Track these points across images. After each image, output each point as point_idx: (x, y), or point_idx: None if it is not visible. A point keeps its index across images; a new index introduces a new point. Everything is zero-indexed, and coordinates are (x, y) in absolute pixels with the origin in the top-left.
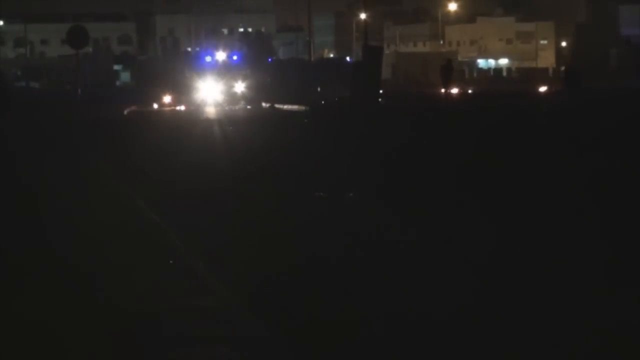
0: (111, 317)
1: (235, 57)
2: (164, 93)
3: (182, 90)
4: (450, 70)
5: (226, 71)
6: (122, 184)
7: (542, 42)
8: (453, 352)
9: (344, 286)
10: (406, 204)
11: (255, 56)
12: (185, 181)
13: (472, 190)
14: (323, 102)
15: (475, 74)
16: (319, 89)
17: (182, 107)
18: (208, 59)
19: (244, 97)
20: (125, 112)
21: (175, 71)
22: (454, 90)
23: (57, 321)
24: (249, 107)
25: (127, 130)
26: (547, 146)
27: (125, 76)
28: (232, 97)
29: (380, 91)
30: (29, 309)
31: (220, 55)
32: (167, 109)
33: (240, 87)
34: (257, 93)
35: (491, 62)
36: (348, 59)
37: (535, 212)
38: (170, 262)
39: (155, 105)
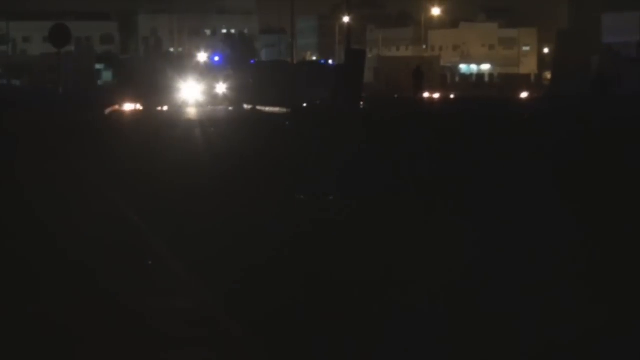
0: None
1: (217, 58)
2: (146, 93)
3: (164, 91)
4: (420, 76)
5: (208, 72)
6: (100, 184)
7: (524, 48)
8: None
9: (319, 284)
10: (384, 206)
11: (238, 57)
12: (165, 182)
13: (450, 192)
14: (305, 104)
15: (457, 79)
16: (301, 92)
17: (165, 108)
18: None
19: (225, 98)
20: (107, 111)
21: (157, 71)
22: (426, 95)
23: (39, 317)
24: (230, 108)
25: (108, 130)
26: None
27: (107, 75)
28: (213, 98)
29: (362, 95)
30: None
31: (202, 57)
32: (149, 109)
33: (221, 88)
34: (239, 94)
35: (473, 68)
36: (331, 61)
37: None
38: (149, 262)
39: (137, 105)
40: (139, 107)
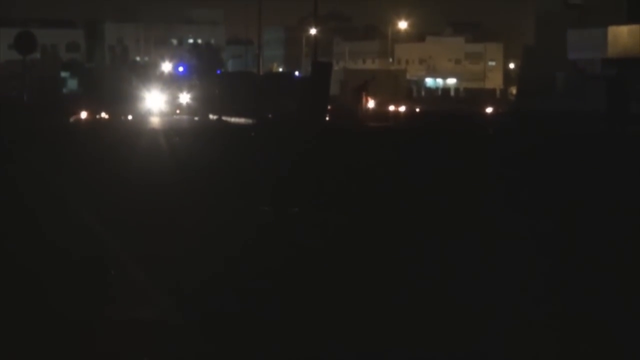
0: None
1: (180, 69)
2: (111, 102)
3: (129, 100)
4: (362, 89)
5: (172, 82)
6: (60, 192)
7: (490, 63)
8: None
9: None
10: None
11: (204, 68)
12: (127, 191)
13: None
14: (270, 115)
15: (423, 93)
16: (267, 103)
17: (130, 117)
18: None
19: (189, 108)
20: (71, 119)
21: (122, 80)
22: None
23: None
24: (196, 118)
25: (71, 138)
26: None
27: (73, 83)
28: (177, 108)
29: (328, 107)
30: None
31: (166, 66)
32: (113, 117)
33: (185, 98)
34: (204, 105)
35: (439, 82)
36: (297, 73)
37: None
38: (112, 272)
39: (102, 114)
40: (103, 115)
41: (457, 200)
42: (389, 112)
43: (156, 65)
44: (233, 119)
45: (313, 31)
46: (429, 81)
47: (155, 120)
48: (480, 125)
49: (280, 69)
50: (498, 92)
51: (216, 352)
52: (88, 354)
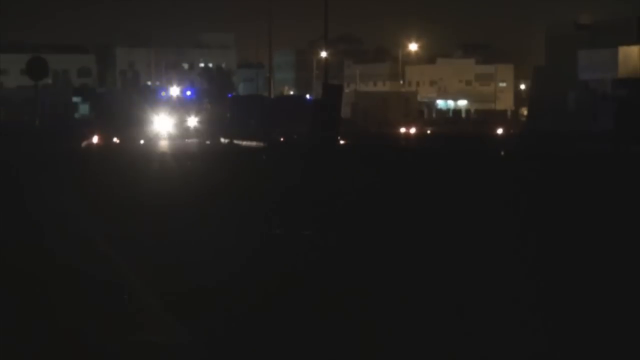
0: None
1: (188, 93)
2: (122, 126)
3: (139, 124)
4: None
5: (181, 106)
6: (76, 218)
7: (501, 84)
8: None
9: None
10: (358, 242)
11: (216, 91)
12: (140, 216)
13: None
14: (282, 139)
15: (434, 115)
16: (278, 126)
17: (141, 141)
18: (164, 94)
19: (197, 131)
20: (83, 144)
21: (133, 105)
22: (402, 130)
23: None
24: (207, 142)
25: (83, 164)
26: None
27: (84, 108)
28: (186, 132)
29: (339, 130)
30: None
31: (175, 91)
32: (125, 142)
33: (193, 121)
34: (216, 128)
35: (450, 103)
36: (308, 96)
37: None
38: (125, 297)
39: (114, 139)
40: (115, 140)
41: (463, 221)
42: (399, 134)
43: (166, 89)
44: (244, 143)
45: (324, 54)
46: (440, 103)
47: (166, 144)
48: (491, 146)
49: (292, 92)
50: (509, 113)
51: None
52: None
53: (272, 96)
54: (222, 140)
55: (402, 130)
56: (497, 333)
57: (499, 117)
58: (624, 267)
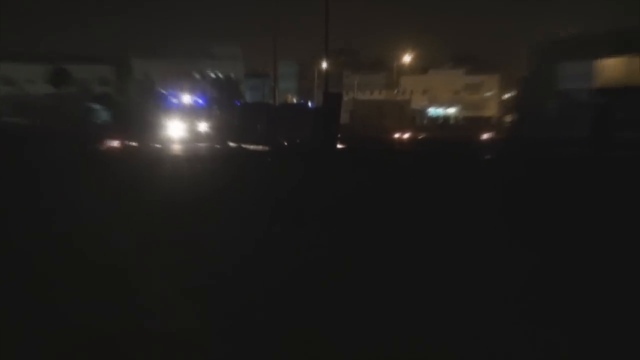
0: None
1: (199, 101)
2: (138, 130)
3: (154, 128)
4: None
5: (192, 112)
6: (97, 213)
7: (487, 93)
8: None
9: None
10: (356, 237)
11: (225, 99)
12: (154, 210)
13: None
14: (285, 143)
15: (425, 121)
16: (282, 131)
17: (157, 145)
18: (175, 100)
19: (207, 136)
20: (103, 147)
21: (148, 111)
22: (396, 135)
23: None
24: (217, 146)
25: (105, 164)
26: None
27: (104, 114)
28: (197, 136)
29: (339, 135)
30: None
31: (186, 98)
32: (140, 145)
33: (203, 127)
34: (225, 133)
35: (441, 111)
36: (310, 104)
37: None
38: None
39: (131, 142)
40: (132, 143)
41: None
42: (394, 138)
43: (179, 97)
44: (251, 147)
45: (324, 65)
46: (432, 110)
47: (178, 148)
48: (478, 150)
49: (295, 100)
50: (495, 119)
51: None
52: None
53: (277, 104)
54: (231, 144)
55: (397, 135)
56: (485, 332)
57: (485, 123)
58: (603, 263)
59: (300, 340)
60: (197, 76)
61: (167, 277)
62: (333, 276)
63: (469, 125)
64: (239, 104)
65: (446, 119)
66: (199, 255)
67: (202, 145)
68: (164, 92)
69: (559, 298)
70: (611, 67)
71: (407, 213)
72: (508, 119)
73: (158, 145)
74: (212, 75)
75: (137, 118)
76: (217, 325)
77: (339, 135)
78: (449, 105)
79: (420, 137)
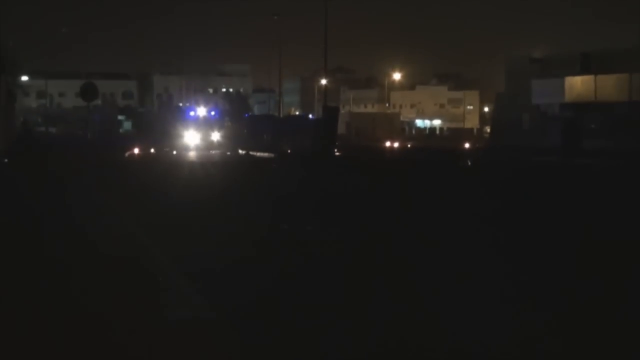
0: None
1: (212, 113)
2: (158, 139)
3: (172, 137)
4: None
5: (206, 123)
6: (121, 212)
7: (468, 107)
8: None
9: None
10: (352, 234)
11: (235, 112)
12: (173, 210)
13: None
14: (289, 150)
15: (413, 132)
16: (286, 140)
17: (174, 152)
18: (192, 113)
19: (219, 144)
20: (126, 154)
21: (167, 122)
22: (387, 143)
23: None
24: (228, 153)
25: (127, 169)
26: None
27: (128, 125)
28: (210, 144)
29: (337, 143)
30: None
31: (202, 111)
32: (160, 152)
33: (216, 136)
34: (235, 142)
35: (427, 122)
36: (310, 116)
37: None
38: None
39: (152, 150)
40: (152, 151)
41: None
42: (385, 147)
43: (195, 109)
44: (258, 154)
45: (323, 81)
46: (419, 122)
47: (194, 155)
48: (460, 157)
49: (297, 112)
50: (475, 130)
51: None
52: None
53: (282, 116)
54: (240, 151)
55: (387, 144)
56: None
57: (466, 134)
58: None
59: (305, 335)
60: (211, 91)
61: (177, 268)
62: (334, 270)
63: (453, 135)
64: (247, 115)
65: (432, 129)
66: (208, 248)
67: (215, 152)
68: (181, 105)
69: (528, 294)
70: (580, 84)
71: (398, 211)
72: (487, 130)
73: (174, 152)
74: (224, 90)
75: (157, 128)
76: (229, 316)
77: (337, 144)
78: (435, 117)
79: (409, 146)
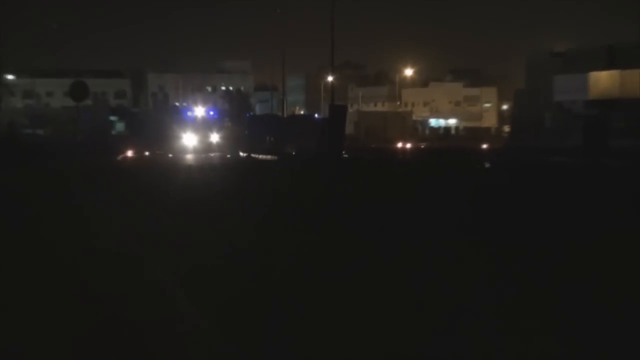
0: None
1: (211, 113)
2: (153, 142)
3: (168, 140)
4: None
5: (204, 124)
6: (113, 222)
7: (486, 105)
8: None
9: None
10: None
11: (235, 111)
12: (171, 217)
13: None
14: (293, 152)
15: (427, 132)
16: (290, 141)
17: (170, 155)
18: (189, 113)
19: (219, 146)
20: (119, 157)
21: (162, 123)
22: (399, 144)
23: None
24: (228, 156)
25: (118, 175)
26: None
27: (120, 126)
28: (209, 146)
29: (344, 144)
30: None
31: (200, 111)
32: (155, 156)
33: (215, 137)
34: (235, 144)
35: (441, 122)
36: (316, 115)
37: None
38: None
39: (146, 153)
40: (147, 154)
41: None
42: (397, 148)
43: (192, 109)
44: (261, 156)
45: (330, 78)
46: (432, 121)
47: (192, 158)
48: (478, 159)
49: (302, 112)
50: (493, 130)
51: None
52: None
53: (285, 115)
54: (241, 154)
55: (399, 145)
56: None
57: (484, 133)
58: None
59: (306, 339)
60: (209, 89)
61: (174, 276)
62: (338, 275)
63: (469, 135)
64: (249, 115)
65: (447, 129)
66: (203, 256)
67: (214, 155)
68: (177, 104)
69: (547, 300)
70: (605, 80)
71: (408, 219)
72: (506, 129)
73: (170, 155)
74: (223, 88)
75: (152, 129)
76: (224, 323)
77: (345, 145)
78: (450, 116)
79: (422, 147)
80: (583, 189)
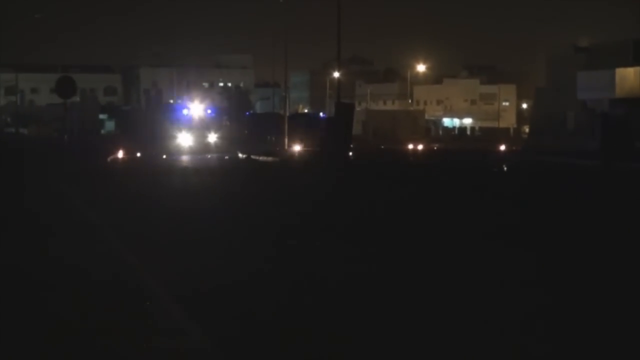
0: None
1: (208, 111)
2: (145, 142)
3: (161, 140)
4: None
5: (201, 123)
6: (102, 226)
7: (504, 103)
8: None
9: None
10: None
11: (234, 109)
12: (166, 225)
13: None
14: (296, 154)
15: (440, 132)
16: (293, 142)
17: (164, 156)
18: (185, 111)
19: (216, 146)
20: (109, 159)
21: (156, 122)
22: (410, 146)
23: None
24: (226, 157)
25: (108, 179)
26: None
27: (110, 125)
28: (206, 147)
29: (351, 145)
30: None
31: (196, 109)
32: (147, 157)
33: (213, 137)
34: (234, 144)
35: (456, 121)
36: (322, 114)
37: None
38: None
39: (137, 154)
40: (139, 155)
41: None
42: (408, 150)
43: (188, 107)
44: (261, 158)
45: (336, 74)
46: (446, 121)
47: (187, 159)
48: (493, 162)
49: (306, 110)
50: (512, 130)
51: None
52: None
53: (288, 114)
54: (240, 155)
55: (410, 146)
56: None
57: (501, 134)
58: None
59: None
60: (206, 86)
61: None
62: (346, 284)
63: (486, 135)
64: (248, 114)
65: (462, 129)
66: (196, 265)
67: (211, 156)
68: (172, 102)
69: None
70: (632, 77)
71: (420, 234)
72: (526, 129)
73: (164, 156)
74: (221, 84)
75: (144, 129)
76: (226, 336)
77: (352, 146)
78: (465, 115)
79: (435, 148)
80: (580, 196)
